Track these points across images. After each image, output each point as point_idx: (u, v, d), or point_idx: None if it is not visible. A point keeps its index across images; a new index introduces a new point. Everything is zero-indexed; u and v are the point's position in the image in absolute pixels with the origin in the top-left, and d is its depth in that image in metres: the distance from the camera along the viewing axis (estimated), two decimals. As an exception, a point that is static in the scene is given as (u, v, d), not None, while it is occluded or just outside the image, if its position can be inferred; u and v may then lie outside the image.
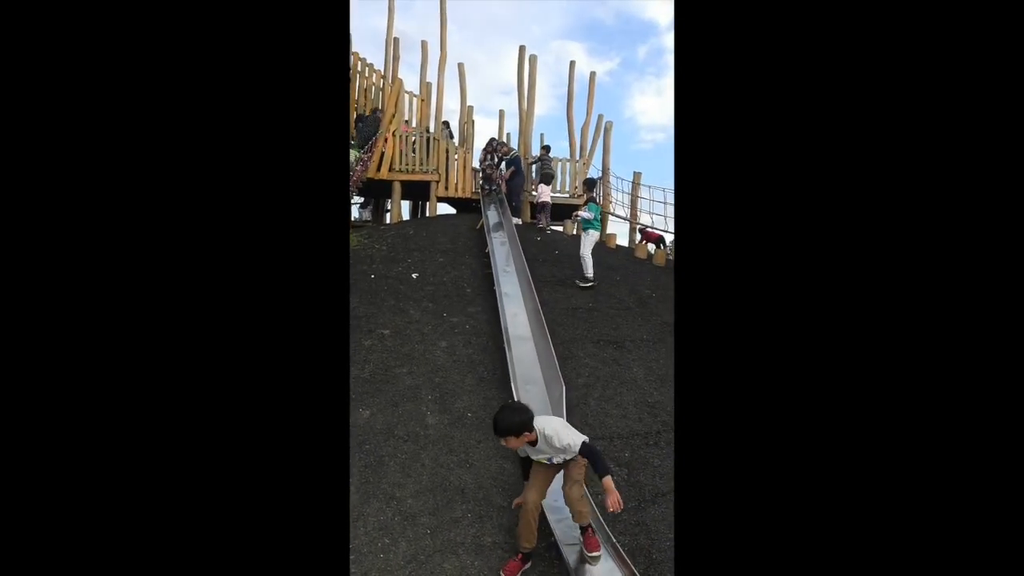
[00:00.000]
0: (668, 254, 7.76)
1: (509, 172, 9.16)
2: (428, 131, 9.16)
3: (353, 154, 7.91)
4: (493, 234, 7.26)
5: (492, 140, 9.64)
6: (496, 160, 9.32)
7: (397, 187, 8.70)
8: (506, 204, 8.55)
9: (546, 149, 9.54)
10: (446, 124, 9.86)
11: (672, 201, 9.02)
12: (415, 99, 9.57)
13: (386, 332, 5.04)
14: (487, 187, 9.16)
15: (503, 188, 8.98)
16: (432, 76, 9.59)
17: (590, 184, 7.10)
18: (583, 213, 6.53)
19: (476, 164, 9.47)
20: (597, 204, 6.57)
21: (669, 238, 9.33)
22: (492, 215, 8.33)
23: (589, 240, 6.24)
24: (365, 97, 9.31)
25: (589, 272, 6.17)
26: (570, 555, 2.91)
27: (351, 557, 2.92)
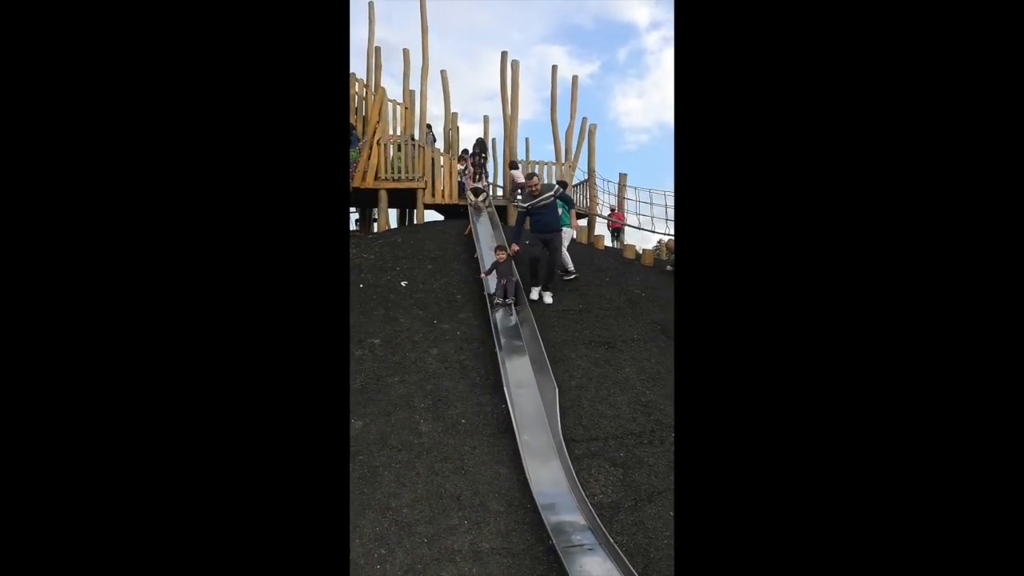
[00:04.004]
0: (656, 254, 7.80)
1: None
2: (412, 138, 9.14)
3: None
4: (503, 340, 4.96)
5: (480, 144, 9.50)
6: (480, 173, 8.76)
7: (383, 195, 8.68)
8: (524, 298, 5.48)
9: (512, 165, 8.45)
10: (429, 128, 9.84)
11: (658, 202, 9.08)
12: (398, 107, 9.55)
13: (377, 341, 5.02)
14: (500, 295, 5.43)
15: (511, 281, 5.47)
16: (415, 84, 9.59)
17: (562, 184, 7.13)
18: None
19: (463, 180, 9.06)
20: (565, 202, 6.36)
21: (657, 241, 9.38)
22: (502, 323, 5.21)
23: (563, 237, 6.12)
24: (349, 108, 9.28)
25: (570, 265, 6.23)
26: (567, 558, 2.90)
27: (349, 569, 2.89)
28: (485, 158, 9.37)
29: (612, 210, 9.55)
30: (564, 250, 6.23)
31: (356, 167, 8.04)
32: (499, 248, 5.98)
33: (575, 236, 6.80)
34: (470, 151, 9.41)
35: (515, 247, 5.86)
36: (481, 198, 8.54)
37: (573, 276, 6.26)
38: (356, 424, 4.02)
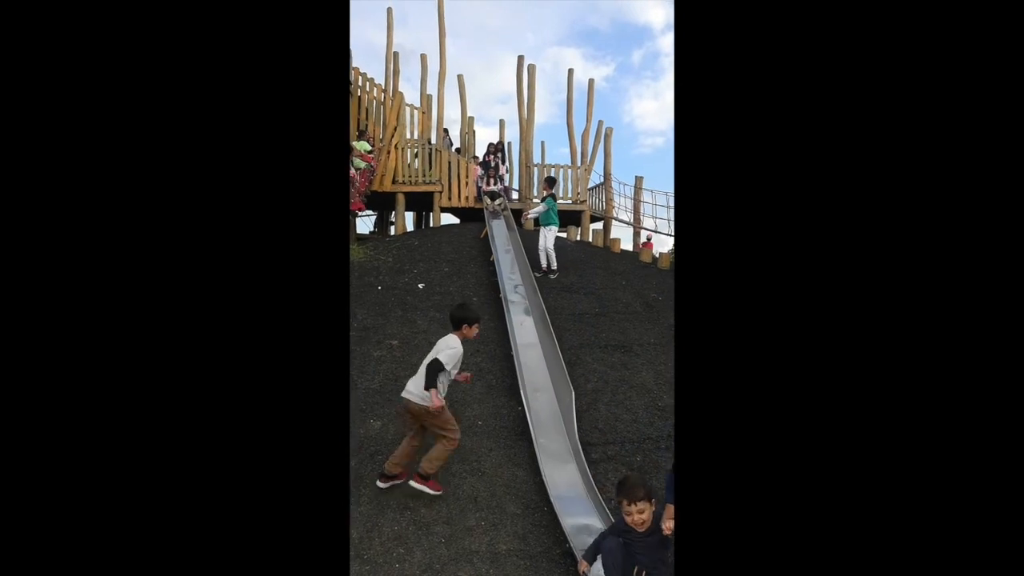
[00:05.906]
0: (672, 257, 7.79)
1: None
2: (430, 142, 9.21)
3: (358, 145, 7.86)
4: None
5: (496, 147, 9.50)
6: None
7: (401, 199, 8.77)
8: None
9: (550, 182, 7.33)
10: (446, 131, 9.91)
11: (674, 205, 9.04)
12: (416, 111, 9.64)
13: (394, 343, 5.07)
14: None
15: None
16: (432, 88, 9.67)
17: (550, 182, 7.43)
18: (532, 212, 7.34)
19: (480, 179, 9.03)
20: (554, 199, 7.01)
21: (673, 244, 9.36)
22: None
23: (549, 234, 6.72)
24: (366, 113, 9.36)
25: (544, 264, 6.67)
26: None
27: (367, 568, 2.93)
28: (500, 161, 9.39)
29: (648, 239, 9.67)
30: (551, 247, 6.68)
31: (368, 176, 8.05)
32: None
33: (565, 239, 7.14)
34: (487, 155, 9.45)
35: None
36: (497, 202, 8.58)
37: (556, 274, 6.59)
38: (375, 424, 4.06)
